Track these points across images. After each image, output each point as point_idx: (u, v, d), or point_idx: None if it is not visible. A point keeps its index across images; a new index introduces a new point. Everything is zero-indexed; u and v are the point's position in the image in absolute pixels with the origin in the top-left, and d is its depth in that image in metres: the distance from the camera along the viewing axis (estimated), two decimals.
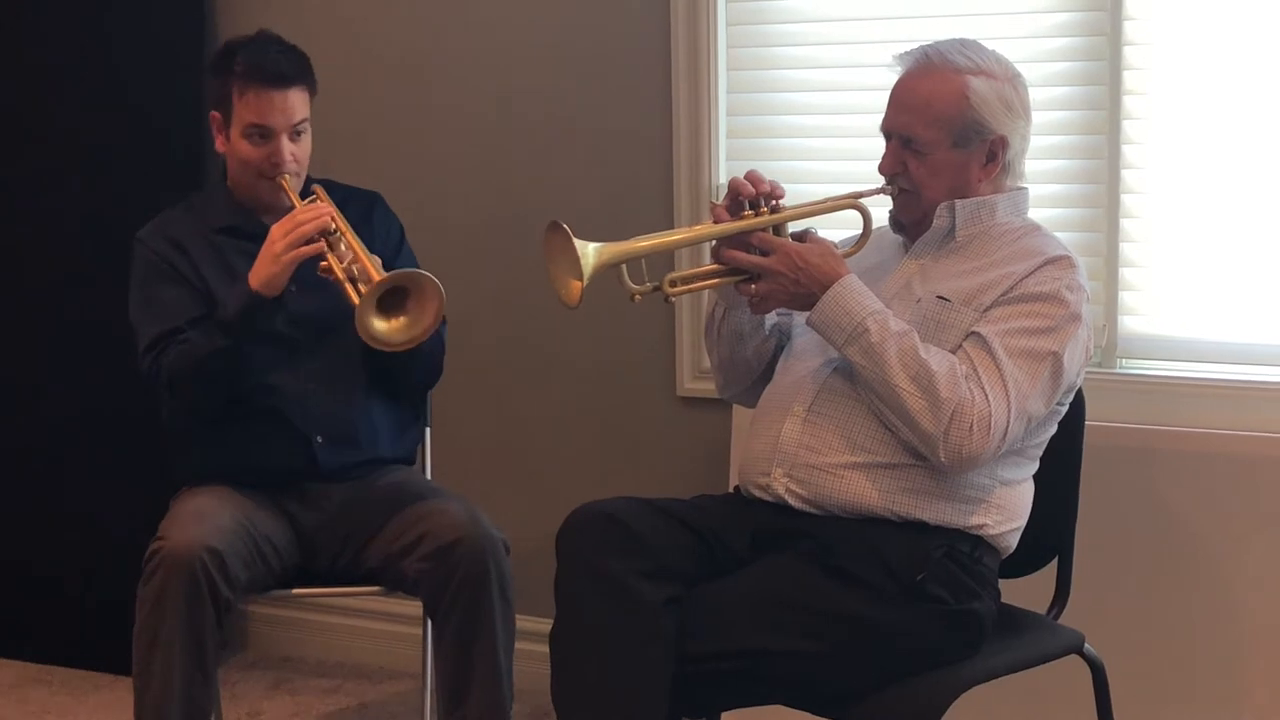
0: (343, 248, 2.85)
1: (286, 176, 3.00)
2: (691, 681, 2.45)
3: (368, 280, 2.76)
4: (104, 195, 3.86)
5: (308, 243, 2.85)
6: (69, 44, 3.90)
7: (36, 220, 3.97)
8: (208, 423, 3.04)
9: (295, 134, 3.02)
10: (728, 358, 2.81)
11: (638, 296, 2.58)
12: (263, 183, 3.04)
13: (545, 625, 2.56)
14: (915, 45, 2.70)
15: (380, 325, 2.74)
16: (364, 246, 2.84)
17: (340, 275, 2.81)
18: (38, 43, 3.93)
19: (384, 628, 3.89)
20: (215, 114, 3.06)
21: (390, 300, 2.75)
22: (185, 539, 2.79)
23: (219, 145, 3.09)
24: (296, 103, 3.01)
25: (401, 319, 2.76)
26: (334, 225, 2.87)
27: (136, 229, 3.14)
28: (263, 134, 3.00)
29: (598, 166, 3.60)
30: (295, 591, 3.09)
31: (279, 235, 2.87)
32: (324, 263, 2.85)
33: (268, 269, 2.87)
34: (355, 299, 2.75)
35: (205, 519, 2.87)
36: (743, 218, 2.59)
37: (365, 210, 3.16)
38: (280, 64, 3.01)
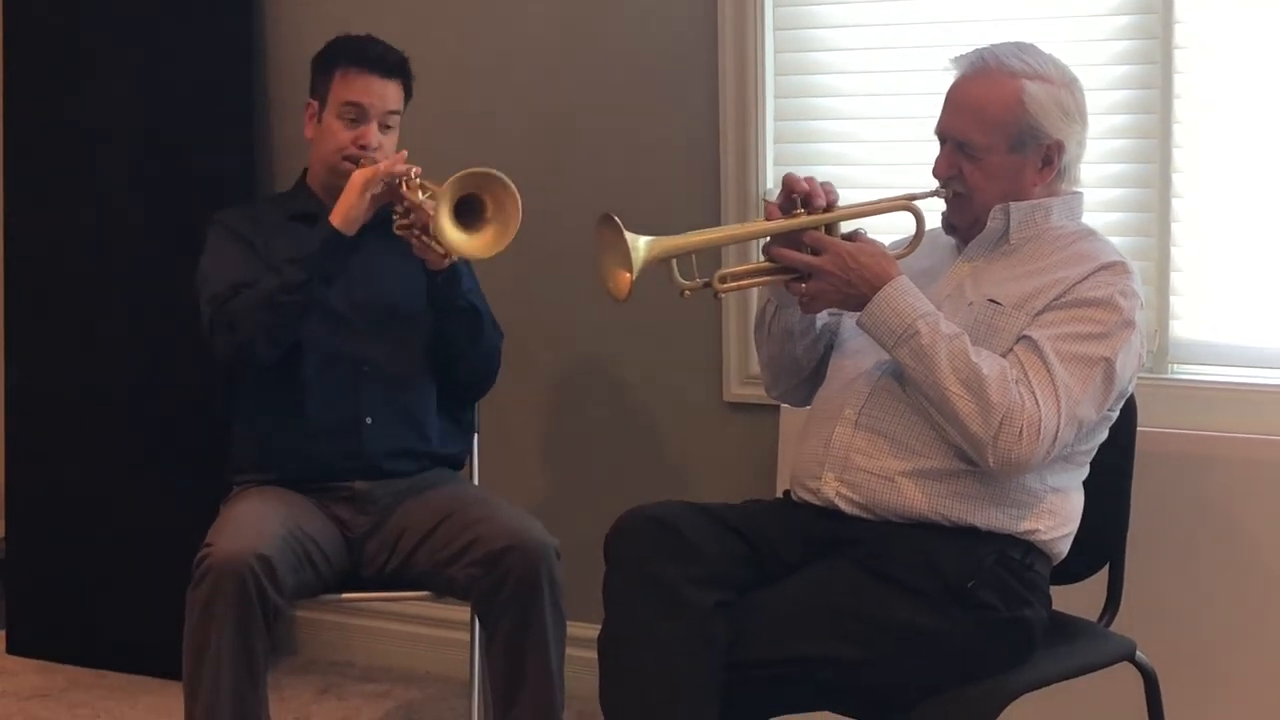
0: (420, 195, 2.92)
1: (367, 162, 3.05)
2: (740, 687, 2.44)
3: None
4: (154, 200, 3.89)
5: (388, 176, 2.94)
6: (121, 49, 3.94)
7: (86, 225, 4.00)
8: (262, 365, 3.03)
9: (385, 124, 3.13)
10: (777, 355, 2.80)
11: (687, 292, 2.57)
12: (344, 165, 3.09)
13: (593, 631, 2.56)
14: (971, 48, 2.69)
15: (461, 238, 2.79)
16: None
17: (416, 200, 2.89)
18: (86, 45, 3.98)
19: (432, 633, 3.89)
20: (311, 101, 3.17)
21: (469, 216, 2.80)
22: (234, 545, 2.81)
23: (308, 132, 3.19)
24: (393, 93, 3.15)
25: (487, 232, 2.82)
26: (414, 172, 2.95)
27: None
28: (356, 114, 3.10)
29: (645, 174, 3.61)
30: (344, 596, 3.12)
31: (359, 176, 2.97)
32: (402, 222, 2.93)
33: (347, 202, 2.96)
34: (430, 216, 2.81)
35: (254, 525, 2.88)
36: (795, 216, 2.59)
37: None
38: (386, 55, 3.15)
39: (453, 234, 2.78)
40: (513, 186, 2.79)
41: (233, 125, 3.87)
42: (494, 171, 2.80)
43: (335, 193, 3.09)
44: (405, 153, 3.01)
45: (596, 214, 2.53)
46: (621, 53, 3.62)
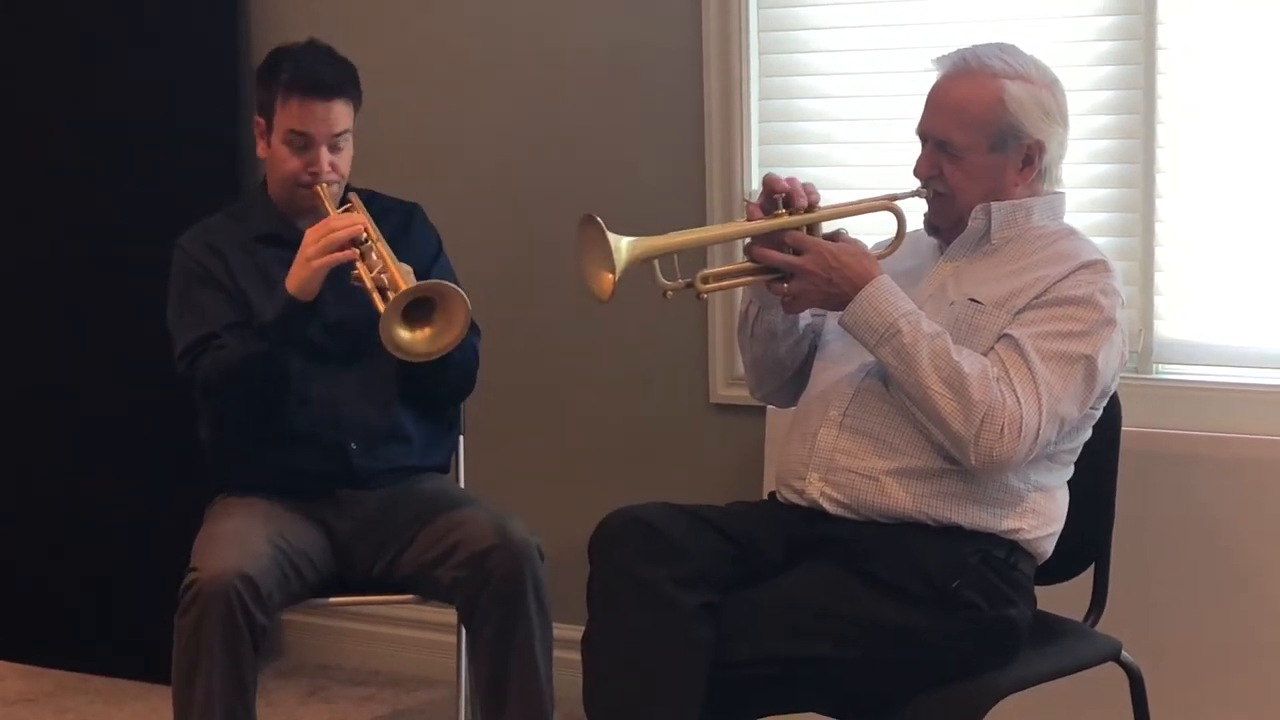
0: (373, 257, 2.86)
1: (323, 185, 3.02)
2: (725, 688, 2.44)
3: (395, 290, 2.77)
4: (138, 201, 3.89)
5: (340, 249, 2.86)
6: (105, 48, 3.93)
7: (69, 226, 4.00)
8: (243, 434, 3.04)
9: (335, 145, 3.03)
10: (761, 356, 2.80)
11: (669, 293, 2.57)
12: (300, 190, 3.05)
13: (577, 632, 2.56)
14: (953, 49, 2.69)
15: (405, 335, 2.75)
16: (394, 256, 2.85)
17: (369, 284, 2.82)
18: (71, 45, 3.97)
19: (419, 635, 3.89)
20: (259, 119, 3.08)
21: (417, 311, 2.75)
22: (219, 569, 2.80)
23: (260, 151, 3.10)
24: (339, 113, 3.03)
25: (427, 330, 2.76)
26: (365, 235, 2.89)
27: (170, 235, 3.16)
28: (303, 142, 3.01)
29: (631, 174, 3.60)
30: (331, 601, 3.09)
31: (311, 240, 2.88)
32: (355, 271, 2.86)
33: (300, 273, 2.89)
34: (382, 309, 2.76)
35: (237, 543, 2.87)
36: (776, 216, 2.59)
37: (403, 221, 3.17)
38: (325, 75, 3.02)
39: (399, 334, 2.73)
40: (467, 301, 2.74)
41: (216, 124, 3.86)
42: (452, 286, 2.76)
43: (296, 210, 3.08)
44: (359, 226, 2.88)
45: (580, 215, 2.53)
46: (606, 53, 3.62)
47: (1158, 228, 3.13)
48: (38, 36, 3.99)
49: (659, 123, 3.58)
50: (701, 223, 3.47)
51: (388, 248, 2.87)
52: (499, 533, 2.92)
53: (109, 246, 3.93)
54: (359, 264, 2.85)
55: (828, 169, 3.37)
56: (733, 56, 3.44)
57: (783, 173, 2.61)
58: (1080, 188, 3.09)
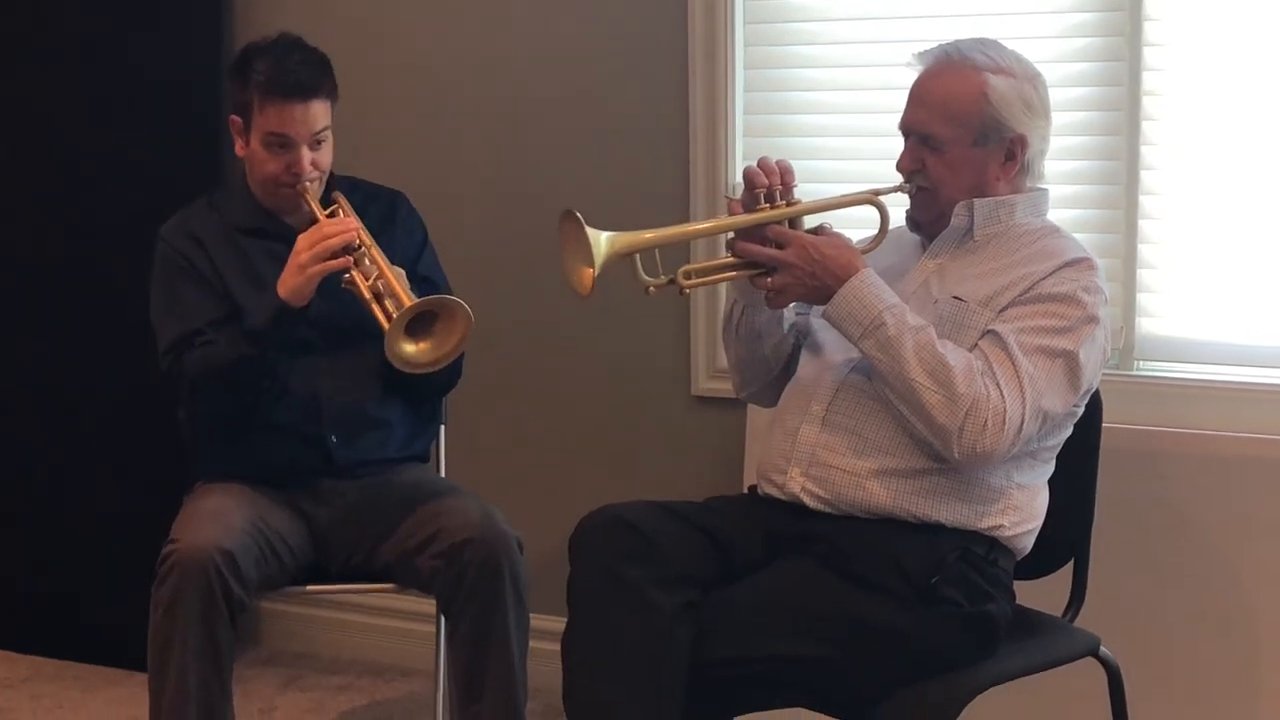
0: (367, 263, 2.85)
1: (307, 185, 2.99)
2: (705, 686, 2.44)
3: (393, 295, 2.76)
4: (120, 194, 3.87)
5: (334, 257, 2.84)
6: (84, 42, 3.91)
7: (51, 218, 3.98)
8: (225, 429, 3.04)
9: (316, 143, 3.00)
10: (745, 356, 2.80)
11: (652, 289, 2.57)
12: (283, 190, 3.02)
13: (558, 624, 2.56)
14: (935, 44, 2.69)
15: (409, 349, 2.75)
16: (388, 262, 2.84)
17: (365, 293, 2.81)
18: (52, 40, 3.95)
19: (397, 625, 3.89)
20: (235, 118, 3.04)
21: (418, 323, 2.74)
22: (198, 541, 2.80)
23: (238, 149, 3.06)
24: (317, 113, 2.98)
25: (427, 342, 2.76)
26: (359, 241, 2.87)
27: (152, 227, 3.14)
28: (283, 144, 2.98)
29: (614, 167, 3.60)
30: (309, 589, 3.09)
31: (305, 247, 2.86)
32: (347, 277, 2.85)
33: (294, 280, 2.86)
34: (381, 318, 2.75)
35: (217, 519, 2.87)
36: (758, 210, 2.58)
37: (388, 210, 3.16)
38: (301, 74, 2.97)
39: (404, 349, 2.73)
40: (468, 311, 2.73)
41: (199, 122, 3.84)
42: (454, 299, 2.75)
43: (278, 208, 3.06)
44: (352, 232, 2.86)
45: (561, 209, 2.52)
46: (591, 46, 3.61)
47: (1141, 224, 3.13)
48: (19, 28, 3.96)
49: (643, 115, 3.57)
50: (686, 217, 3.47)
51: (381, 253, 2.85)
52: (478, 524, 2.92)
53: (91, 238, 3.91)
54: (353, 270, 2.83)
55: (814, 161, 3.36)
56: (718, 49, 3.44)
57: (754, 155, 2.60)
58: (1065, 183, 3.09)
